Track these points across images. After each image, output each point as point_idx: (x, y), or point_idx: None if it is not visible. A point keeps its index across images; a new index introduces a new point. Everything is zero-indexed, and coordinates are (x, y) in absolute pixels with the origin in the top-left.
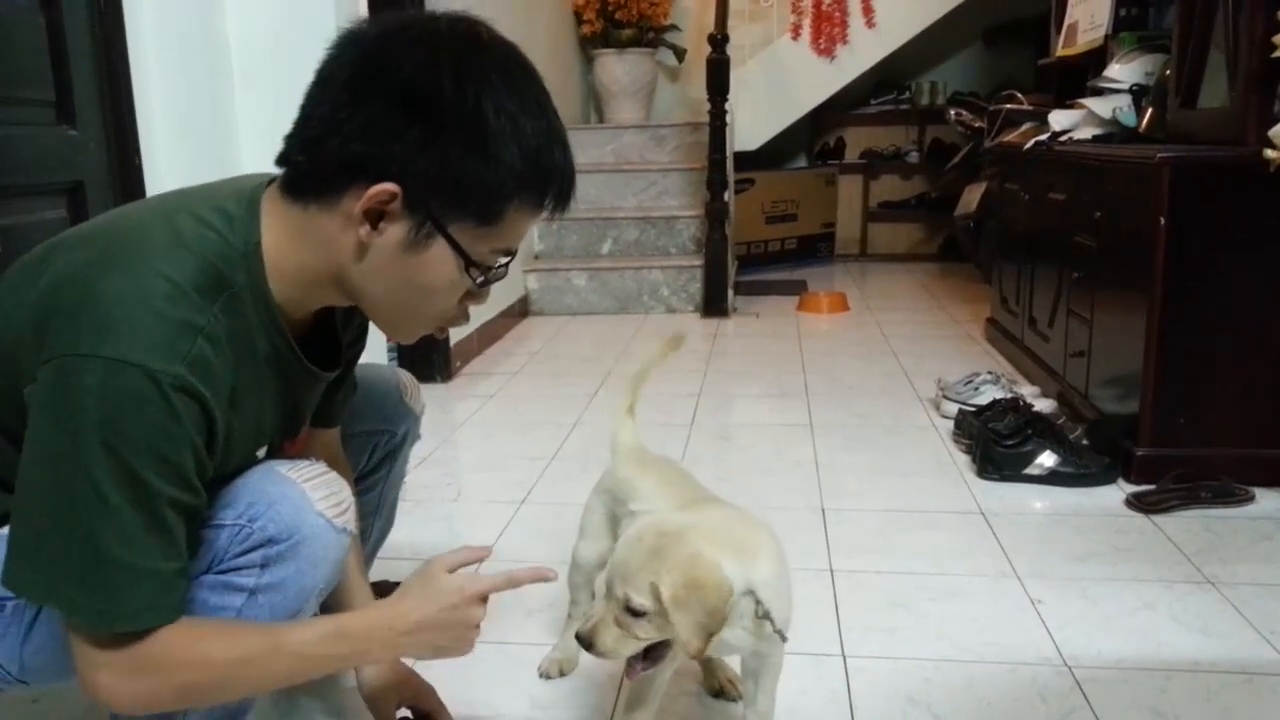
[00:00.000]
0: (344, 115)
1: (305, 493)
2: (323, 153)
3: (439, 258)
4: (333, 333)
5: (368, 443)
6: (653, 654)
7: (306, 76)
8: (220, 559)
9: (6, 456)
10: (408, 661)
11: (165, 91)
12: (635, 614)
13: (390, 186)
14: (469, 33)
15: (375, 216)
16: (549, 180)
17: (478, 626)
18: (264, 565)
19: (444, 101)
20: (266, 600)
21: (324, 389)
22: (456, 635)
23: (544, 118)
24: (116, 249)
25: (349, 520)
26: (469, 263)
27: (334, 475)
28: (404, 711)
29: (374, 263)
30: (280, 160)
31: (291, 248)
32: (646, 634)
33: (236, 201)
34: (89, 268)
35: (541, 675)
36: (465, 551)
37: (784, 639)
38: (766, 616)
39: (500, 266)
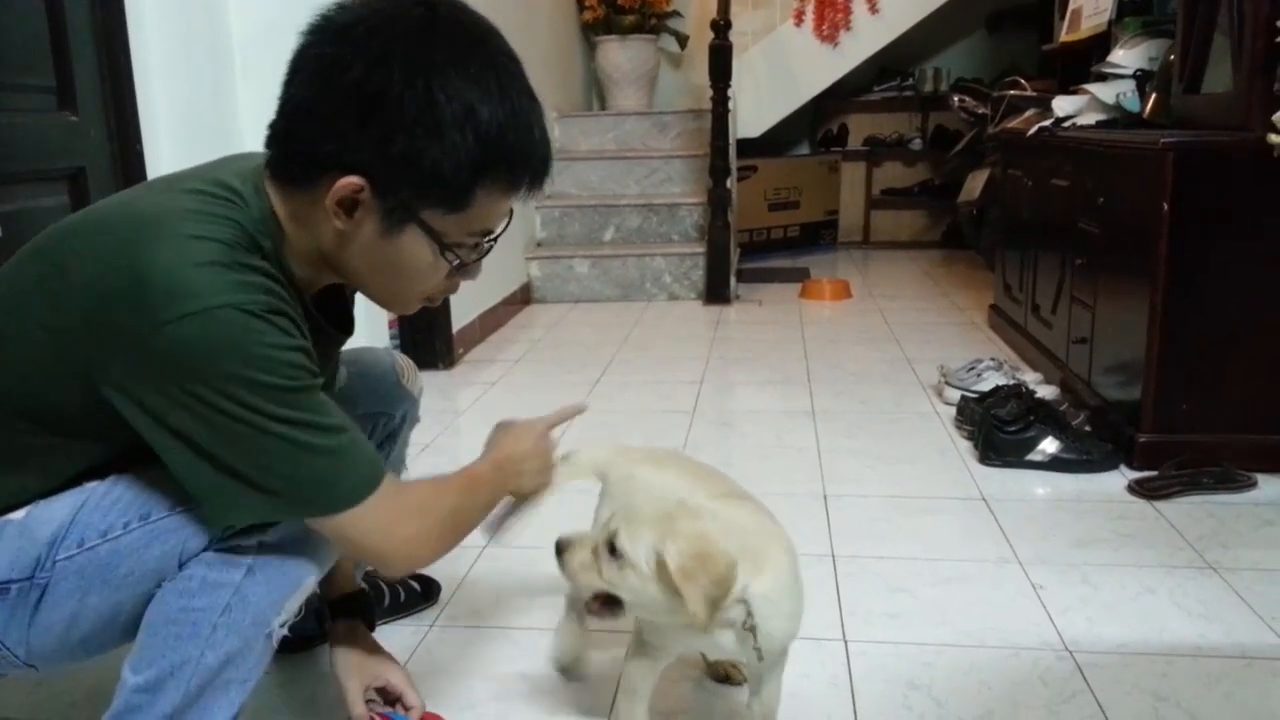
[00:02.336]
0: (311, 109)
1: None
2: (298, 147)
3: (414, 243)
4: (343, 299)
5: (365, 426)
6: (609, 605)
7: None
8: (220, 534)
9: (25, 440)
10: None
11: (166, 77)
12: (613, 554)
13: (356, 180)
14: (423, 20)
15: (349, 206)
16: (512, 162)
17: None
18: (262, 541)
19: (393, 97)
20: (264, 576)
21: (337, 357)
22: (545, 464)
23: (505, 100)
24: (142, 228)
25: None
26: (443, 246)
27: None
28: (370, 694)
29: (355, 248)
30: (267, 144)
31: (292, 224)
32: (610, 578)
33: (240, 179)
34: (123, 252)
35: (561, 669)
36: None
37: (760, 658)
38: (752, 630)
39: (477, 247)
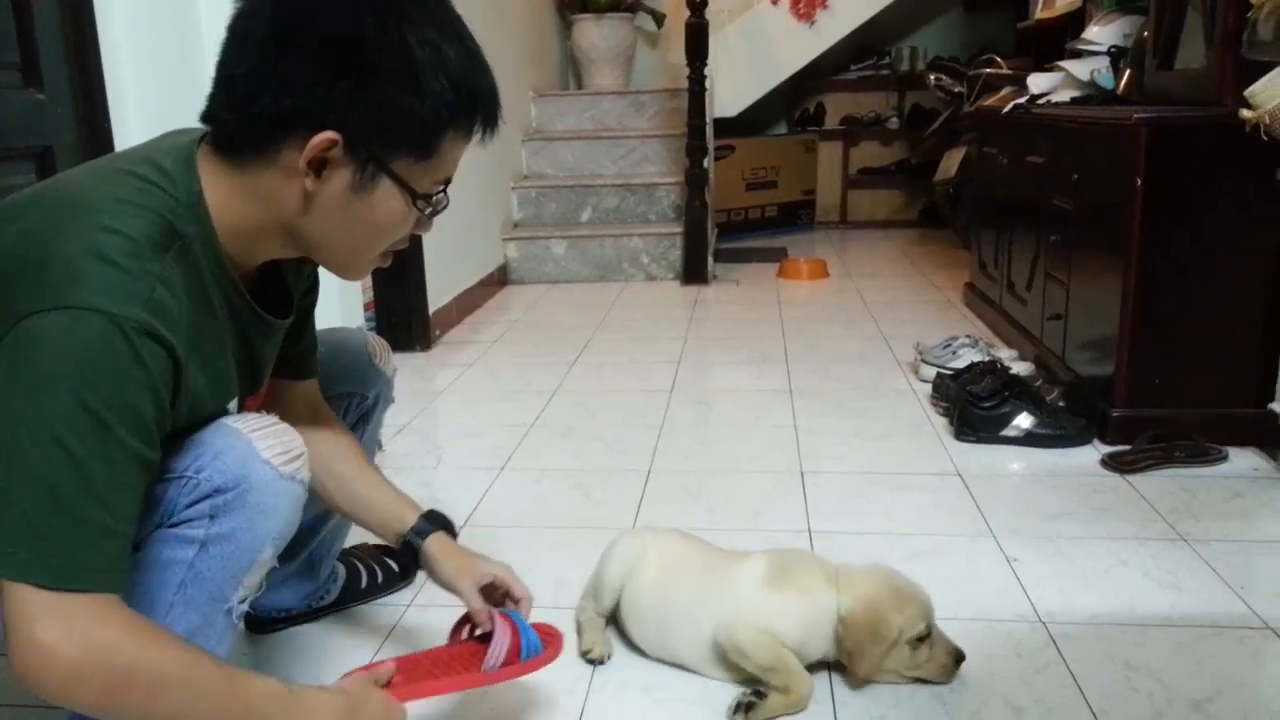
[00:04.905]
0: (270, 70)
1: (251, 442)
2: (254, 110)
3: (386, 195)
4: (281, 280)
5: (339, 406)
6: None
7: None
8: (170, 512)
9: None
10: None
11: (134, 53)
12: (921, 640)
13: (330, 135)
14: None
15: (318, 165)
16: (478, 104)
17: None
18: (213, 516)
19: (370, 44)
20: (218, 551)
21: (280, 340)
22: None
23: (463, 43)
24: (63, 212)
25: (298, 469)
26: (414, 196)
27: (283, 426)
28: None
29: (321, 210)
30: (205, 118)
31: (233, 201)
32: (922, 657)
33: (172, 159)
34: (39, 234)
35: (594, 660)
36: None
37: None
38: None
39: (441, 194)
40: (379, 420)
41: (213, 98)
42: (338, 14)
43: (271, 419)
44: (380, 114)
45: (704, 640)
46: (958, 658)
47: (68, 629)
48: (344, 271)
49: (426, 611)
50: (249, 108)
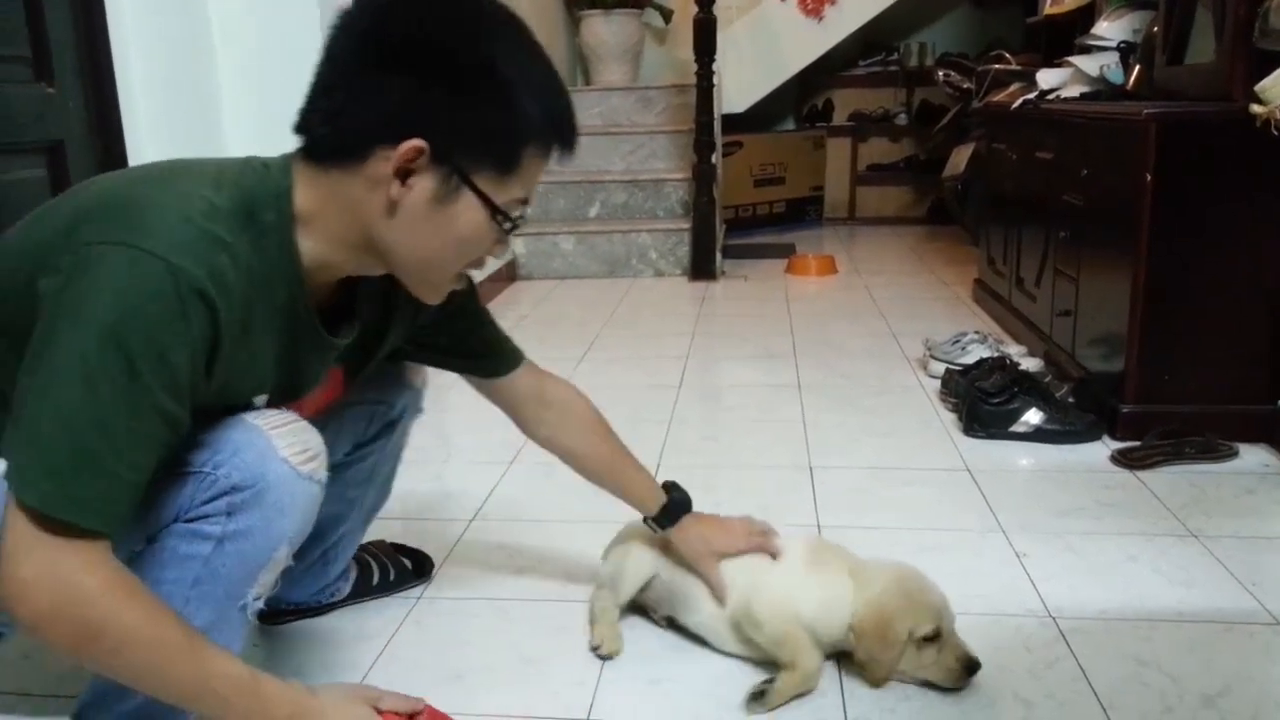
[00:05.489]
0: (361, 83)
1: (270, 440)
2: (347, 122)
3: (467, 208)
4: (351, 304)
5: (363, 414)
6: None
7: (285, 31)
8: (188, 507)
9: (13, 370)
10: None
11: (144, 47)
12: (927, 641)
13: (418, 143)
14: None
15: (404, 174)
16: (560, 124)
17: None
18: (230, 512)
19: (461, 58)
20: (234, 548)
21: (331, 360)
22: None
23: (547, 66)
24: (161, 174)
25: (316, 468)
26: (495, 210)
27: (303, 424)
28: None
29: (404, 219)
30: (299, 129)
31: (319, 206)
32: (928, 658)
33: (273, 160)
34: (131, 184)
35: (604, 655)
36: (401, 699)
37: None
38: None
39: (520, 215)
40: (405, 430)
41: (306, 111)
42: (430, 29)
43: (292, 416)
44: (467, 127)
45: (722, 610)
46: (969, 666)
47: (50, 573)
48: (421, 288)
49: (436, 603)
50: (340, 118)
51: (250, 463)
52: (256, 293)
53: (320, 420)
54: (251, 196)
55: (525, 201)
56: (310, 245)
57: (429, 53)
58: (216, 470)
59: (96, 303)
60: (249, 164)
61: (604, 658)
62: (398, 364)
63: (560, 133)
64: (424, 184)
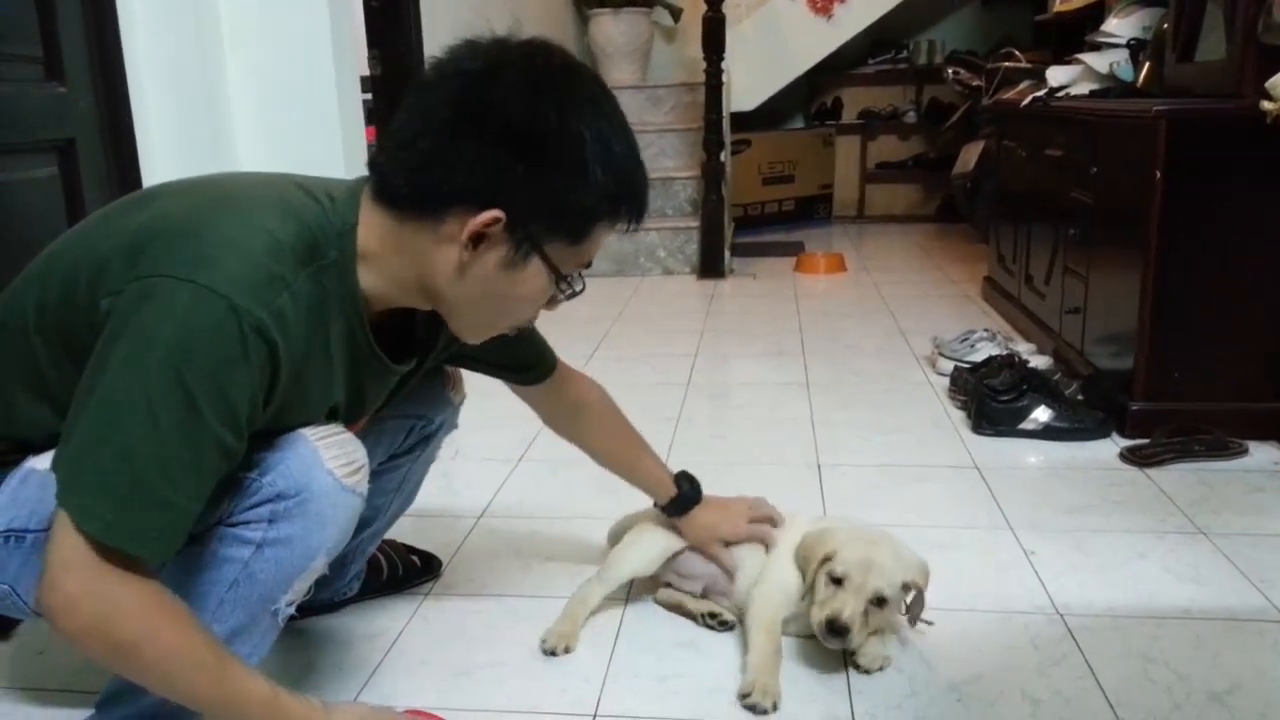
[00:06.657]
0: (449, 149)
1: (317, 450)
2: (427, 181)
3: (534, 274)
4: (410, 328)
5: (402, 426)
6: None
7: (295, 31)
8: (232, 510)
9: (68, 377)
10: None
11: (153, 47)
12: (881, 603)
13: (495, 213)
14: (563, 64)
15: (477, 239)
16: (633, 198)
17: None
18: (271, 520)
19: (550, 137)
20: (273, 554)
21: (393, 384)
22: None
23: (628, 140)
24: (226, 200)
25: (359, 481)
26: (559, 277)
27: (348, 436)
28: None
29: (471, 279)
30: (375, 170)
31: (383, 246)
32: (875, 622)
33: (340, 189)
34: (195, 209)
35: (547, 651)
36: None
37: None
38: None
39: (581, 281)
40: (439, 442)
41: (384, 154)
42: (521, 104)
43: (337, 428)
44: (546, 200)
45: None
46: (833, 624)
47: (95, 590)
48: (469, 333)
49: (444, 600)
50: (420, 174)
51: (295, 472)
52: (316, 327)
53: (360, 431)
54: (315, 232)
55: (587, 265)
56: (369, 281)
57: (520, 130)
58: (262, 477)
59: (158, 337)
60: (313, 193)
61: (548, 652)
62: (438, 378)
63: (631, 208)
64: (495, 250)
